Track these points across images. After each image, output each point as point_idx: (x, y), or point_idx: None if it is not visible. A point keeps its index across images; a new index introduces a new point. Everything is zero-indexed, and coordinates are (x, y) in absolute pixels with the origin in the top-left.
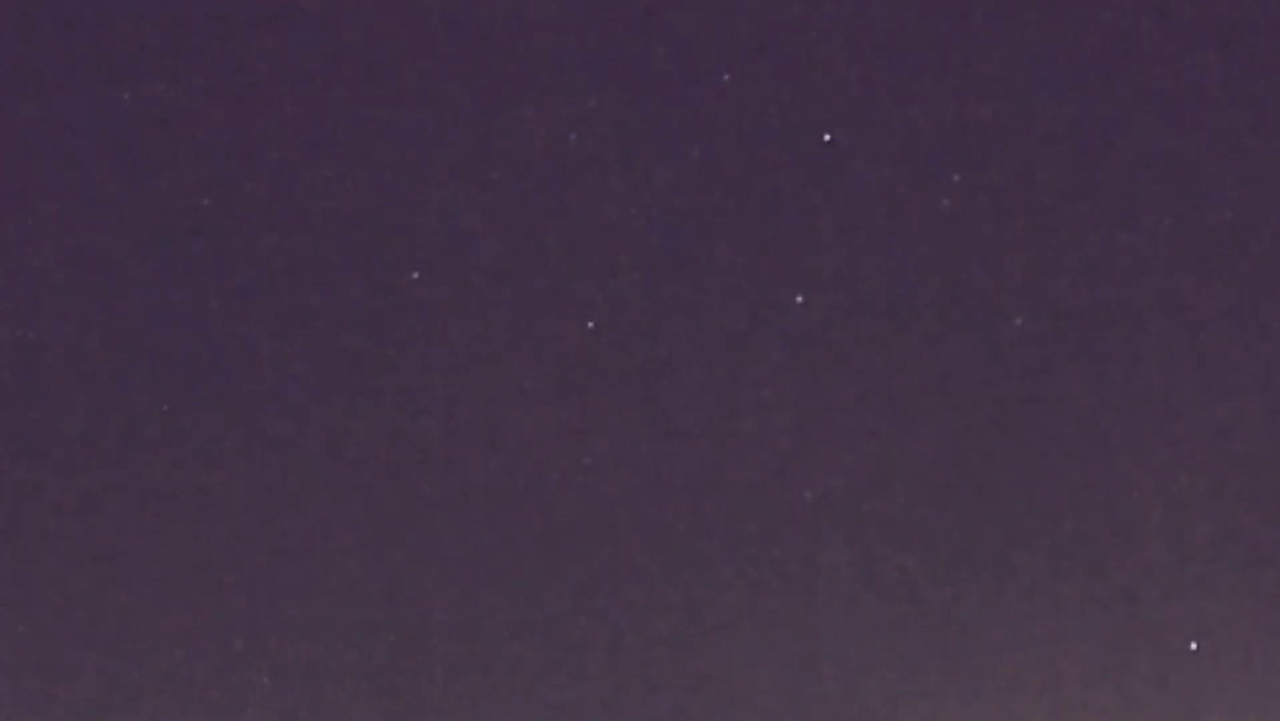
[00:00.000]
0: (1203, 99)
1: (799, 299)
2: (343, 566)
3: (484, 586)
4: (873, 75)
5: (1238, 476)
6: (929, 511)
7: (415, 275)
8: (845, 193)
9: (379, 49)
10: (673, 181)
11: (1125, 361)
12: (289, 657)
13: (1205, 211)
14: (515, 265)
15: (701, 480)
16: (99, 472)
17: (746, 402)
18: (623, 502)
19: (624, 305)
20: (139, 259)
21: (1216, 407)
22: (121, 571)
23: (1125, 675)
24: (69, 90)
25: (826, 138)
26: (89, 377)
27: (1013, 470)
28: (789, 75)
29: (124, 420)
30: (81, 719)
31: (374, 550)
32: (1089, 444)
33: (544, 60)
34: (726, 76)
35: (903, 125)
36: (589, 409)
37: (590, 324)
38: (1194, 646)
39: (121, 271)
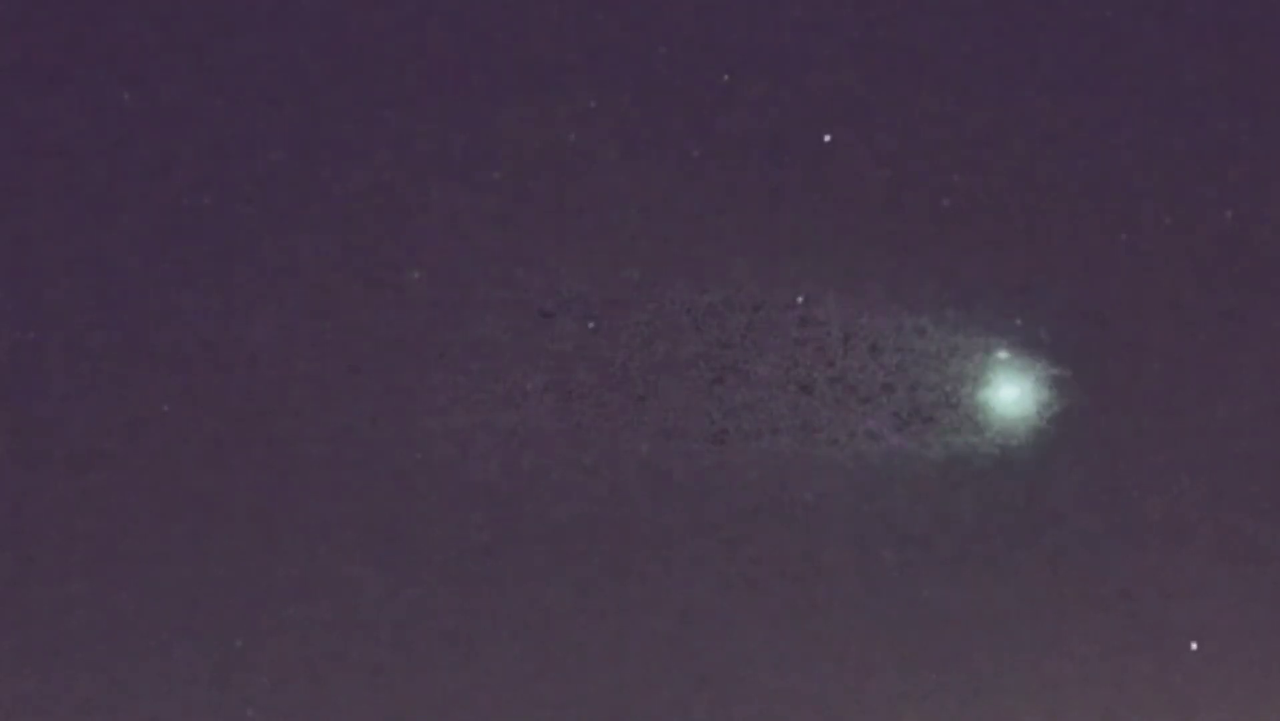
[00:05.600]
0: (1203, 99)
1: (799, 299)
2: (343, 566)
3: (484, 586)
4: (873, 75)
5: (1238, 476)
6: (929, 511)
7: (415, 275)
8: (845, 193)
9: (379, 49)
10: (673, 181)
11: (1125, 361)
12: (289, 657)
13: (1205, 211)
14: (515, 265)
15: (701, 480)
16: (99, 473)
17: (746, 403)
18: (623, 502)
19: (624, 305)
20: (139, 259)
21: (1216, 407)
22: (121, 571)
23: (1125, 675)
24: (69, 90)
25: (826, 138)
26: (89, 378)
27: (1012, 470)
28: (789, 75)
29: (124, 420)
30: (81, 719)
31: (374, 550)
32: (1089, 444)
33: (544, 60)
34: (726, 76)
35: (903, 125)
36: (589, 409)
37: (590, 324)
38: (1194, 646)
39: (121, 271)
